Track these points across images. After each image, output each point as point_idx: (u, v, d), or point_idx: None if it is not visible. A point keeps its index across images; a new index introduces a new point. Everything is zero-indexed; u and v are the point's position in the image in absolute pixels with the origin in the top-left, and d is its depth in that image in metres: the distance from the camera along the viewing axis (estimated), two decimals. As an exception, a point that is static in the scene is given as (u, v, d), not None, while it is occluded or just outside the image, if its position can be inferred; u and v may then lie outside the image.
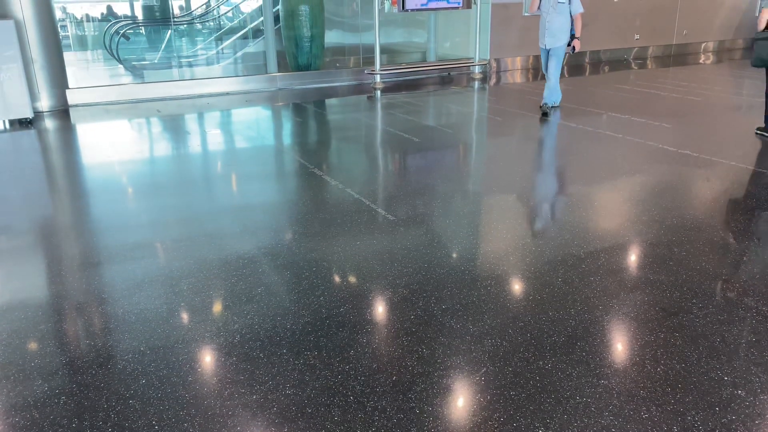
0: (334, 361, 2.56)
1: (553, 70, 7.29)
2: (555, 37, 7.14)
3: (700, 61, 12.70)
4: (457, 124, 7.40)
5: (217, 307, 3.04)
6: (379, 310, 2.99)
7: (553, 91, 7.45)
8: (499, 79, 10.81)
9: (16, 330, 2.86)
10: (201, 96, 9.27)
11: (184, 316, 2.94)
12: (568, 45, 7.20)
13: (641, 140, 6.10)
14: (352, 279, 3.31)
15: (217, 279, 3.34)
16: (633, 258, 3.52)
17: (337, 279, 3.32)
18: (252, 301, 3.08)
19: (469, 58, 11.06)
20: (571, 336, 2.71)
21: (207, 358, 2.61)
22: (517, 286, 3.20)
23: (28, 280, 3.43)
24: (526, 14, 11.23)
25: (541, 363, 2.52)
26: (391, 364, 2.53)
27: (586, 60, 12.40)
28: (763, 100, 6.35)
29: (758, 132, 6.33)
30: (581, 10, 7.11)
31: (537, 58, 11.89)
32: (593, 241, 3.70)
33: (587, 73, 11.28)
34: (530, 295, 3.08)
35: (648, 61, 12.65)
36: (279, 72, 10.70)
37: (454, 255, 3.59)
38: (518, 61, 11.81)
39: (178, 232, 4.04)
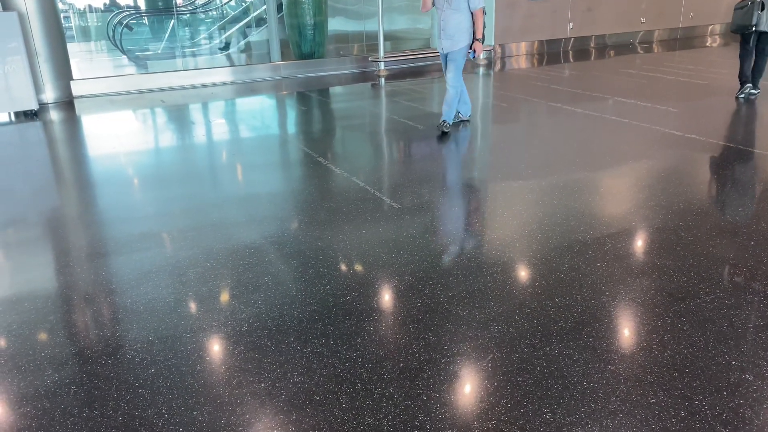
0: (341, 348, 2.57)
1: (453, 78, 6.00)
2: (453, 39, 5.86)
3: (707, 44, 12.58)
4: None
5: (225, 297, 3.05)
6: (386, 297, 2.99)
7: (455, 104, 6.15)
8: (504, 65, 10.75)
9: (26, 321, 2.88)
10: (205, 86, 9.26)
11: (192, 306, 2.96)
12: (471, 48, 5.94)
13: (647, 125, 6.07)
14: (359, 267, 3.32)
15: (224, 268, 3.35)
16: (640, 243, 3.51)
17: (343, 267, 3.32)
18: (259, 290, 3.09)
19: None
20: (577, 322, 2.71)
21: (215, 347, 2.63)
22: (523, 273, 3.20)
23: (36, 271, 3.45)
24: (530, -1, 11.14)
25: (547, 349, 2.53)
26: (398, 351, 2.54)
27: (592, 45, 12.31)
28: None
29: (738, 96, 7.20)
30: (481, 5, 5.80)
31: (543, 43, 11.81)
32: (599, 227, 3.69)
33: (592, 58, 11.20)
34: (537, 282, 3.08)
35: (654, 45, 12.55)
36: (282, 61, 10.67)
37: (460, 242, 3.59)
38: (523, 47, 11.73)
39: (185, 222, 4.05)
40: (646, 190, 4.30)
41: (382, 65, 9.94)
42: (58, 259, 3.60)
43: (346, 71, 10.35)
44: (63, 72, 8.39)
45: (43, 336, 2.75)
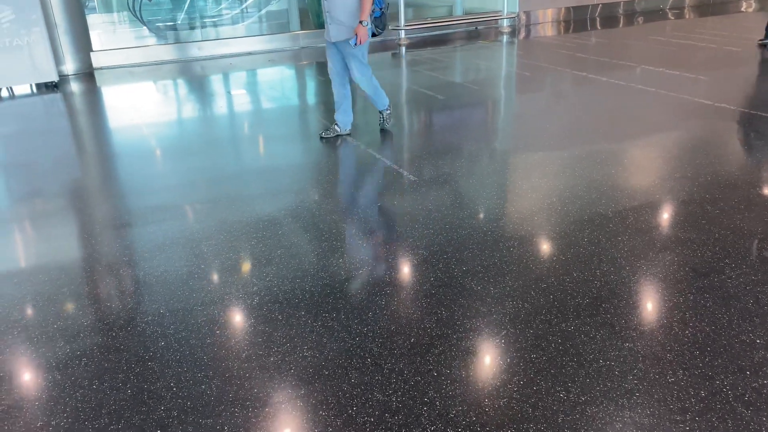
0: (352, 323, 2.53)
1: (360, 76, 4.75)
2: (342, 25, 4.50)
3: (742, 9, 12.09)
4: (484, 81, 7.20)
5: (237, 270, 3.02)
6: (399, 272, 2.94)
7: (381, 93, 5.05)
8: (528, 33, 10.47)
9: (40, 292, 2.89)
10: (224, 56, 9.19)
11: (204, 279, 2.94)
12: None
13: (675, 94, 5.85)
14: (373, 241, 3.26)
15: (238, 241, 3.32)
16: (663, 216, 3.39)
17: (357, 241, 3.27)
18: (271, 263, 3.06)
19: (497, 12, 10.71)
20: (595, 298, 2.63)
21: (225, 320, 2.61)
22: (540, 247, 3.11)
23: (52, 243, 3.46)
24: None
25: (563, 325, 2.46)
26: (409, 326, 2.49)
27: (620, 11, 11.92)
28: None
29: (759, 43, 7.35)
30: None
31: (569, 10, 11.48)
32: (622, 200, 3.57)
33: (620, 25, 10.84)
34: (554, 256, 2.99)
35: (685, 11, 12.10)
36: (302, 30, 10.53)
37: (477, 216, 3.51)
38: (549, 14, 11.41)
39: (200, 194, 4.03)
40: (673, 162, 4.15)
41: (403, 34, 9.74)
42: (74, 232, 3.61)
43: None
44: (83, 43, 8.38)
45: (55, 308, 2.76)
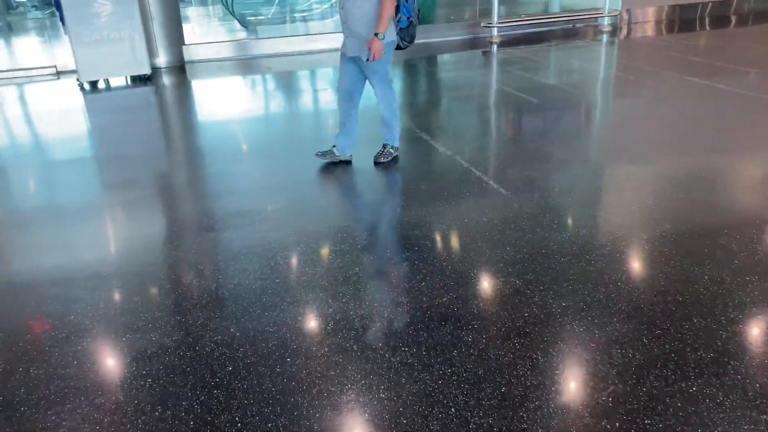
0: (434, 361, 2.27)
1: (382, 93, 4.15)
2: (359, 38, 3.92)
3: None
4: (582, 83, 6.71)
5: (312, 287, 2.82)
6: (489, 303, 2.64)
7: (395, 121, 4.32)
8: (630, 32, 9.80)
9: (110, 301, 2.80)
10: (311, 53, 9.11)
11: (277, 295, 2.76)
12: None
13: (806, 105, 5.19)
14: (458, 263, 2.98)
15: (314, 254, 3.13)
16: (800, 254, 2.92)
17: (440, 262, 3.00)
18: (348, 281, 2.84)
19: (597, 9, 10.07)
20: (722, 352, 2.24)
21: (297, 347, 2.40)
22: (653, 284, 2.73)
23: (127, 247, 3.40)
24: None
25: (683, 385, 2.09)
26: (500, 371, 2.20)
27: (732, 10, 10.96)
28: None
29: None
30: None
31: (676, 8, 10.67)
32: (747, 230, 3.11)
33: (732, 26, 9.96)
34: (670, 296, 2.60)
35: (811, 10, 10.99)
36: (390, 26, 10.30)
37: (577, 240, 3.15)
38: (651, 12, 10.65)
39: (280, 198, 3.88)
40: (807, 186, 3.62)
41: (495, 31, 9.34)
42: (151, 234, 3.53)
43: (457, 37, 9.83)
44: (176, 37, 8.52)
45: (125, 318, 2.65)
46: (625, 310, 2.50)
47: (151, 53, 8.11)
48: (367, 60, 3.90)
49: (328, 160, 4.34)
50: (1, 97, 7.47)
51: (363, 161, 4.44)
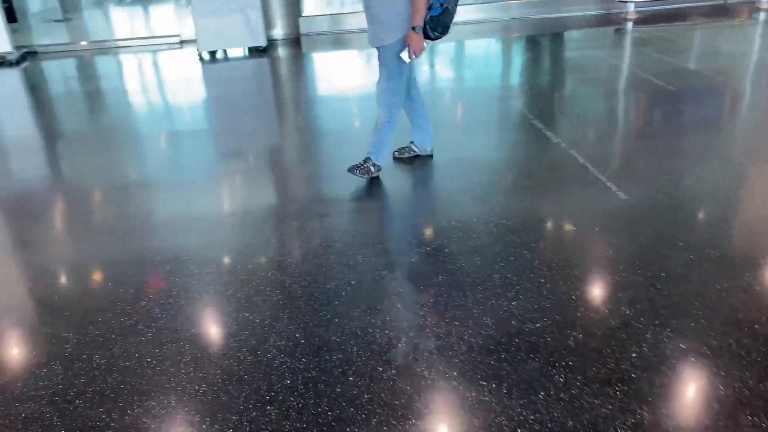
0: (515, 403, 1.94)
1: (382, 91, 3.56)
2: (381, 26, 3.41)
3: None
4: (729, 70, 5.85)
5: (386, 293, 2.56)
6: (589, 335, 2.25)
7: (389, 133, 3.65)
8: (795, 10, 8.52)
9: (183, 288, 2.71)
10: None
11: (350, 300, 2.53)
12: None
13: None
14: (559, 281, 2.59)
15: (396, 255, 2.87)
16: None
17: (538, 278, 2.62)
18: (428, 290, 2.56)
19: (755, -18, 8.83)
20: None
21: (362, 365, 2.16)
22: (802, 329, 2.21)
23: (222, 228, 3.31)
24: None
25: (837, 479, 1.62)
26: (593, 426, 1.83)
27: None
28: None
29: None
30: None
31: None
32: None
33: None
34: (825, 350, 2.08)
35: None
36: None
37: (708, 264, 2.64)
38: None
39: (377, 186, 3.62)
40: None
41: (631, 6, 8.47)
42: (247, 217, 3.43)
43: (588, 12, 9.04)
44: (293, 9, 8.48)
45: (191, 310, 2.54)
46: (763, 364, 2.02)
47: (268, 25, 8.13)
48: (409, 58, 3.37)
49: (406, 154, 3.95)
50: (128, 64, 7.81)
51: (470, 150, 4.09)
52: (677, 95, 5.01)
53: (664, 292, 2.44)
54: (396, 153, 3.98)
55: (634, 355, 2.11)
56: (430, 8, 3.33)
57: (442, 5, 3.34)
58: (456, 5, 3.43)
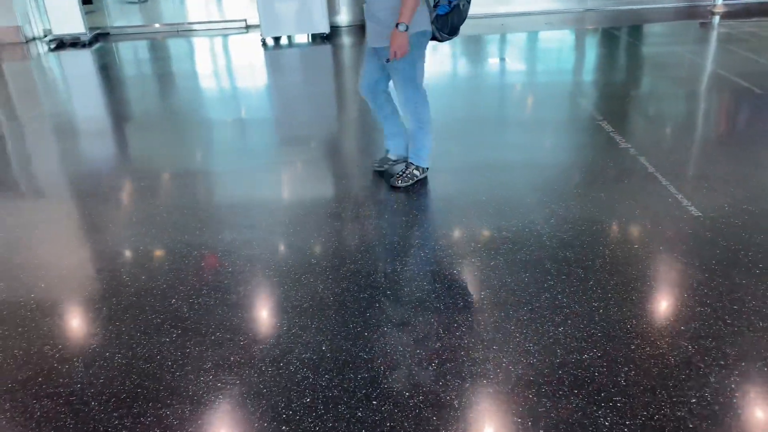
0: (552, 447, 1.74)
1: (404, 97, 3.28)
2: (381, 25, 3.06)
3: None
4: (828, 72, 5.32)
5: (424, 308, 2.39)
6: (643, 373, 2.01)
7: (427, 140, 3.41)
8: None
9: (213, 288, 2.62)
10: (496, 15, 8.42)
11: (383, 313, 2.37)
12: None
13: None
14: (613, 308, 2.34)
15: (439, 264, 2.69)
16: None
17: (591, 302, 2.38)
18: (468, 307, 2.37)
19: None
20: None
21: (388, 387, 2.00)
22: None
23: (263, 226, 3.22)
24: None
25: None
26: (639, 484, 1.62)
27: None
28: None
29: None
30: None
31: None
32: None
33: None
34: None
35: None
36: (591, -10, 9.19)
37: (788, 296, 2.34)
38: None
39: (429, 188, 3.44)
40: None
41: (719, 0, 7.88)
42: (288, 212, 3.32)
43: (669, 5, 8.47)
44: (359, -6, 8.35)
45: (219, 312, 2.44)
46: None
47: (332, 11, 8.02)
48: (387, 60, 3.05)
49: (386, 167, 3.63)
50: (195, 47, 7.87)
51: (519, 151, 3.84)
52: (764, 99, 4.57)
53: (735, 328, 2.16)
54: (376, 165, 3.69)
55: (693, 400, 1.86)
56: (436, 5, 3.06)
57: (450, 2, 3.05)
58: (469, 3, 3.13)
